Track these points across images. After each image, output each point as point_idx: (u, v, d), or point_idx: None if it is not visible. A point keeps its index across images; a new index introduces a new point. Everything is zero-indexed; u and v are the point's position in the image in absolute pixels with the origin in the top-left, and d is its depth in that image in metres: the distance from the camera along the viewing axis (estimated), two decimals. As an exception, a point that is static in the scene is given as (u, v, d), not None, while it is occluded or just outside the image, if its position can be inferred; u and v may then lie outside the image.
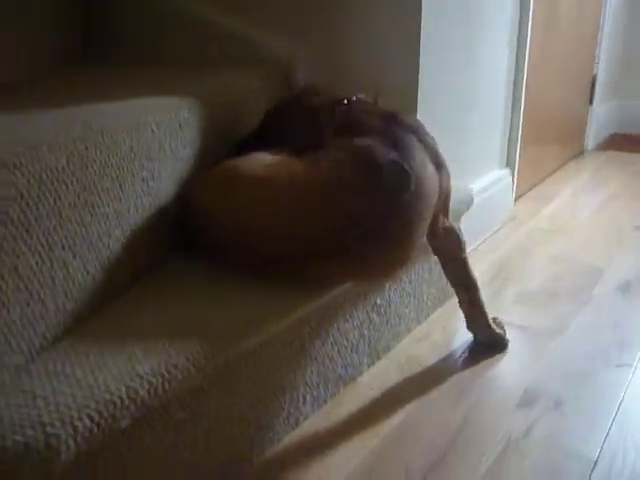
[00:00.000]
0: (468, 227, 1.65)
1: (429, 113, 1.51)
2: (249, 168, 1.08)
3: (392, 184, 1.03)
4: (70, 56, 1.51)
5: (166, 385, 0.79)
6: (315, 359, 1.09)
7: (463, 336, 1.33)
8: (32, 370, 0.79)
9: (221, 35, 1.57)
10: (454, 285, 1.28)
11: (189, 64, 1.51)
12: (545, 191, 2.39)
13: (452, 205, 1.40)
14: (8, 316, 0.77)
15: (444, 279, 1.32)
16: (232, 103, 1.28)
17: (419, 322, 1.40)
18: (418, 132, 1.15)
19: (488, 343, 1.30)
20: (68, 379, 0.77)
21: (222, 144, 1.22)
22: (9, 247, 0.77)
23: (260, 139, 1.24)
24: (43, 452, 0.67)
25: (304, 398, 1.08)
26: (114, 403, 0.74)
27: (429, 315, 1.44)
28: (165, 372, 0.79)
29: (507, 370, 1.26)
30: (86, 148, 0.88)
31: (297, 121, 1.24)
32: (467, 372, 1.24)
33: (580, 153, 2.93)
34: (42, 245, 0.81)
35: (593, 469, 0.98)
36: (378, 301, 1.24)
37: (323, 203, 1.01)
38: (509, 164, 2.08)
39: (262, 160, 1.10)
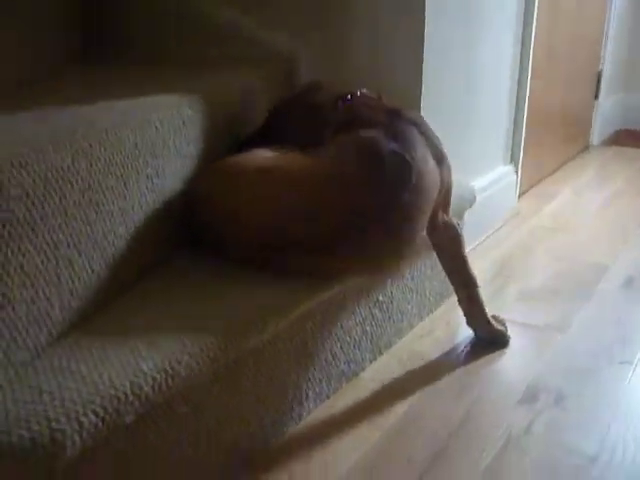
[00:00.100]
0: (471, 224, 1.66)
1: (433, 110, 1.51)
2: (251, 162, 1.10)
3: (393, 175, 1.04)
4: (70, 55, 1.52)
5: (170, 381, 0.80)
6: (318, 355, 1.10)
7: (465, 332, 1.34)
8: (38, 366, 0.80)
9: (222, 35, 1.57)
10: (453, 281, 1.29)
11: (190, 64, 1.51)
12: (549, 188, 2.39)
13: (455, 202, 1.41)
14: (14, 313, 0.78)
15: (446, 275, 1.33)
16: (234, 102, 1.29)
17: (421, 318, 1.41)
18: (420, 126, 1.17)
19: (489, 340, 1.31)
20: (73, 375, 0.78)
21: (225, 142, 1.23)
22: (15, 245, 0.78)
23: (263, 137, 1.25)
24: (48, 447, 0.68)
25: (307, 393, 1.09)
26: (118, 399, 0.75)
27: (432, 311, 1.45)
28: (169, 368, 0.81)
29: (509, 366, 1.26)
30: (90, 146, 0.90)
31: (300, 118, 1.25)
32: (469, 368, 1.25)
33: (585, 149, 2.92)
34: (47, 243, 0.82)
35: (593, 464, 0.99)
36: (380, 297, 1.25)
37: (325, 195, 1.02)
38: (513, 161, 2.08)
39: (264, 155, 1.12)
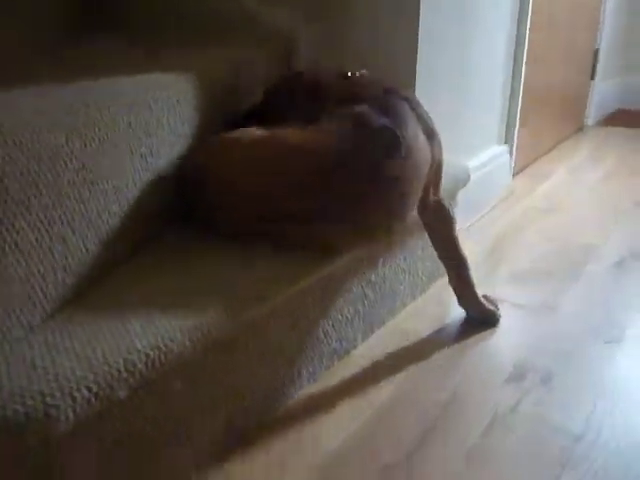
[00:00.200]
0: (465, 203, 1.67)
1: (427, 90, 1.52)
2: (247, 135, 1.12)
3: (383, 148, 1.06)
4: (68, 33, 1.51)
5: (163, 358, 0.81)
6: (310, 332, 1.12)
7: (456, 311, 1.35)
8: (32, 342, 0.81)
9: (222, 10, 1.57)
10: (443, 261, 1.30)
11: (189, 41, 1.51)
12: (543, 168, 2.40)
13: (448, 181, 1.42)
14: (9, 290, 0.79)
15: (438, 256, 1.34)
16: (231, 79, 1.29)
17: (414, 297, 1.43)
18: (411, 102, 1.20)
19: (480, 319, 1.33)
20: (67, 351, 0.79)
21: (220, 120, 1.23)
22: (9, 223, 0.79)
23: (260, 115, 1.26)
24: (43, 421, 0.70)
25: (299, 370, 1.11)
26: (112, 375, 0.76)
27: (424, 291, 1.47)
28: (162, 345, 0.82)
29: (498, 345, 1.28)
30: (85, 126, 0.90)
31: (299, 96, 1.26)
32: (459, 346, 1.27)
33: (580, 129, 2.93)
34: (41, 221, 0.83)
35: (578, 443, 1.01)
36: (373, 278, 1.26)
37: (320, 166, 1.04)
38: (507, 141, 2.09)
39: (260, 129, 1.13)
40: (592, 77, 2.90)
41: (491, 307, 1.33)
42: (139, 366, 0.79)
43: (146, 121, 1.03)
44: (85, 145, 0.90)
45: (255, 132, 1.13)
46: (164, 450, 0.88)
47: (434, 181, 1.23)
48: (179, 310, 0.88)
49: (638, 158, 2.52)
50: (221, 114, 1.24)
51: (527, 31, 1.98)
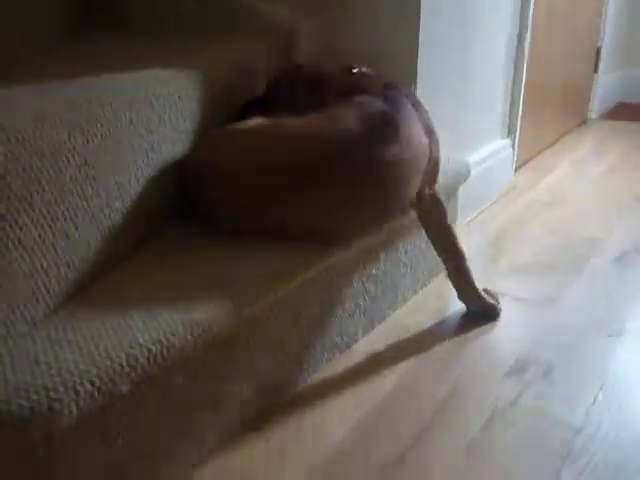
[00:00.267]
0: (467, 197, 1.68)
1: (429, 83, 1.52)
2: (249, 124, 1.14)
3: (381, 131, 1.09)
4: (69, 29, 1.52)
5: (165, 353, 0.82)
6: (311, 326, 1.13)
7: (457, 305, 1.36)
8: (36, 337, 0.82)
9: (222, 6, 1.57)
10: (440, 254, 1.31)
11: (189, 36, 1.51)
12: (546, 161, 2.40)
13: (450, 176, 1.43)
14: (12, 285, 0.80)
15: (440, 250, 1.35)
16: (232, 76, 1.30)
17: (415, 292, 1.43)
18: (413, 99, 1.23)
19: (480, 313, 1.33)
20: (70, 346, 0.80)
21: (222, 115, 1.24)
22: (12, 220, 0.79)
23: (263, 106, 1.27)
24: (47, 415, 0.70)
25: (300, 364, 1.12)
26: (114, 369, 0.77)
27: (425, 285, 1.47)
28: (164, 340, 0.82)
29: (499, 339, 1.29)
30: (87, 122, 0.91)
31: (299, 90, 1.27)
32: (460, 340, 1.27)
33: (583, 122, 2.92)
34: (44, 217, 0.84)
35: (578, 436, 1.02)
36: (374, 272, 1.27)
37: (321, 155, 1.05)
38: (510, 134, 2.09)
39: (261, 119, 1.15)
40: (595, 70, 2.89)
41: (491, 301, 1.34)
42: (141, 360, 0.79)
43: (148, 117, 1.03)
44: (87, 141, 0.91)
45: (256, 121, 1.14)
46: (166, 443, 0.89)
47: (430, 177, 1.24)
48: (181, 305, 0.89)
49: (641, 152, 2.52)
50: (222, 110, 1.25)
51: (530, 25, 1.97)
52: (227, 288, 0.95)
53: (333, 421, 1.05)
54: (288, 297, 1.05)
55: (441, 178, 1.35)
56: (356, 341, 1.26)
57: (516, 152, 2.14)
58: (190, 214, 1.15)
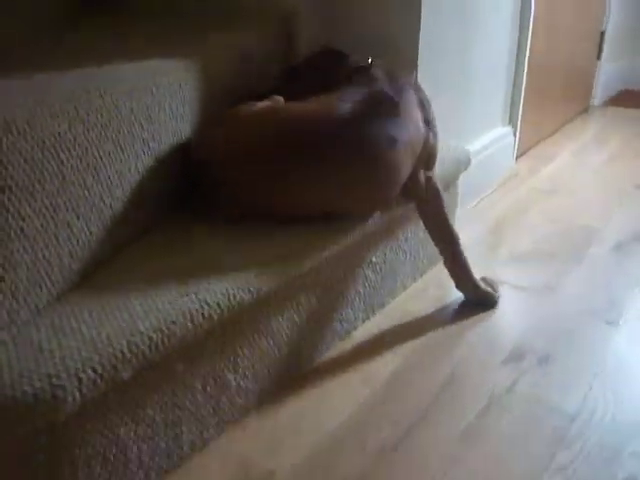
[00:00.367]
0: (468, 185, 1.68)
1: (430, 71, 1.52)
2: (250, 107, 1.16)
3: (381, 108, 1.13)
4: (69, 16, 1.52)
5: (166, 340, 0.84)
6: (310, 314, 1.14)
7: (457, 293, 1.37)
8: (39, 325, 0.84)
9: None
10: (437, 243, 1.32)
11: (190, 21, 1.51)
12: (548, 149, 2.39)
13: (450, 166, 1.43)
14: (16, 275, 0.82)
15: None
16: (233, 62, 1.30)
17: (414, 279, 1.45)
18: (417, 89, 1.27)
19: (477, 301, 1.35)
20: (73, 333, 0.82)
21: (222, 103, 1.25)
22: (15, 210, 0.81)
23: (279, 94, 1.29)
24: (50, 402, 0.72)
25: (300, 351, 1.13)
26: (116, 357, 0.79)
27: (425, 272, 1.48)
28: (165, 328, 0.84)
29: (497, 327, 1.30)
30: (87, 113, 0.91)
31: (315, 81, 1.29)
32: (458, 328, 1.29)
33: (586, 110, 2.91)
34: (46, 208, 0.85)
35: (573, 423, 1.03)
36: (374, 259, 1.28)
37: (322, 136, 1.08)
38: (511, 122, 2.09)
39: (262, 103, 1.17)
40: (598, 57, 2.88)
41: (488, 289, 1.35)
42: (142, 348, 0.81)
43: (148, 107, 1.04)
44: (87, 131, 0.92)
45: (258, 105, 1.16)
46: (167, 429, 0.91)
47: (425, 163, 1.26)
48: (182, 292, 0.90)
49: (643, 139, 2.51)
50: (223, 98, 1.25)
51: (532, 11, 1.97)
52: (226, 277, 0.96)
53: (330, 407, 1.06)
54: (289, 284, 1.06)
55: (441, 166, 1.36)
56: (355, 328, 1.27)
57: (517, 140, 2.14)
58: (191, 202, 1.16)
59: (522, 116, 2.11)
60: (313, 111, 1.12)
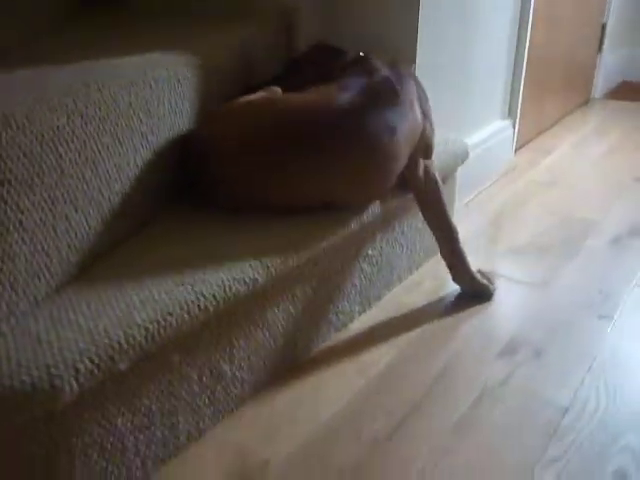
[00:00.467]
0: (467, 178, 1.69)
1: (428, 64, 1.52)
2: (248, 100, 1.17)
3: (381, 100, 1.14)
4: (69, 11, 1.52)
5: (162, 331, 0.85)
6: (307, 305, 1.15)
7: (452, 285, 1.38)
8: (38, 316, 0.85)
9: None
10: (435, 233, 1.32)
11: (189, 16, 1.52)
12: (547, 141, 2.40)
13: (447, 159, 1.44)
14: (14, 267, 0.83)
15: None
16: (232, 57, 1.31)
17: (410, 272, 1.46)
18: (416, 81, 1.29)
19: (473, 293, 1.36)
20: (71, 325, 0.83)
21: (221, 97, 1.26)
22: (13, 203, 0.82)
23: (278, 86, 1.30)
24: (48, 391, 0.74)
25: (296, 342, 1.15)
26: (113, 348, 0.80)
27: (421, 265, 1.50)
28: (161, 319, 0.85)
29: (493, 319, 1.31)
30: (85, 107, 0.92)
31: (313, 74, 1.30)
32: (453, 320, 1.30)
33: (586, 102, 2.91)
34: (45, 201, 0.86)
35: (565, 415, 1.04)
36: (370, 251, 1.29)
37: (322, 126, 1.10)
38: (511, 115, 2.09)
39: (259, 94, 1.19)
40: (600, 48, 2.88)
41: (484, 281, 1.36)
42: (139, 339, 0.82)
43: (147, 100, 1.05)
44: (86, 125, 0.93)
45: (252, 96, 1.17)
46: (163, 418, 0.93)
47: (423, 151, 1.27)
48: (178, 285, 0.92)
49: (643, 132, 2.51)
50: (222, 92, 1.26)
51: (532, 3, 1.97)
52: (223, 266, 0.97)
53: (326, 397, 1.08)
54: (285, 276, 1.07)
55: (439, 159, 1.37)
56: (352, 320, 1.28)
57: (517, 133, 2.15)
58: (189, 195, 1.18)
59: (522, 109, 2.12)
60: (312, 101, 1.12)
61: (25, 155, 0.83)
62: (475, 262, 1.36)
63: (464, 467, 0.95)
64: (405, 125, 1.17)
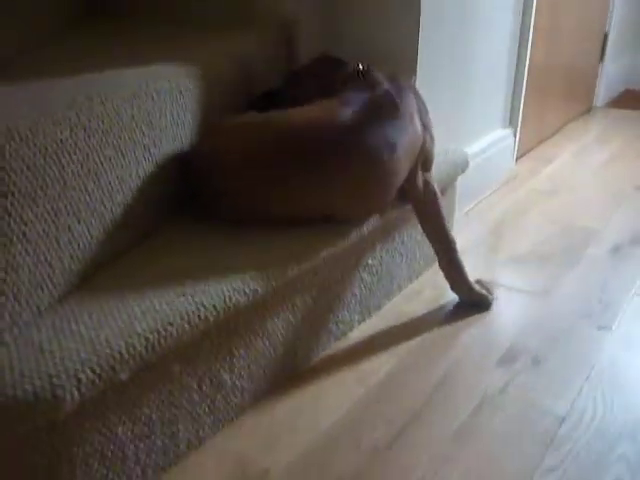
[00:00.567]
0: (467, 187, 1.70)
1: (429, 71, 1.53)
2: (250, 115, 1.18)
3: (382, 115, 1.15)
4: (71, 21, 1.54)
5: (162, 341, 0.86)
6: (307, 315, 1.16)
7: (452, 295, 1.39)
8: (40, 326, 0.86)
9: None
10: (433, 244, 1.34)
11: (190, 27, 1.53)
12: (549, 150, 2.41)
13: (447, 168, 1.45)
14: (17, 277, 0.84)
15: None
16: (233, 68, 1.32)
17: (410, 281, 1.47)
18: (416, 94, 1.29)
19: (471, 303, 1.37)
20: (73, 335, 0.84)
21: (223, 109, 1.27)
22: (17, 214, 0.83)
23: (276, 101, 1.31)
24: (50, 401, 0.75)
25: (295, 352, 1.16)
26: (114, 357, 0.81)
27: (420, 274, 1.50)
28: (162, 329, 0.86)
29: (492, 328, 1.32)
30: (89, 120, 0.94)
31: (314, 87, 1.31)
32: (452, 329, 1.31)
33: (588, 111, 2.92)
34: (48, 212, 0.88)
35: (563, 424, 1.05)
36: (370, 261, 1.30)
37: (325, 142, 1.10)
38: (512, 123, 2.10)
39: (261, 113, 1.19)
40: (602, 57, 2.89)
41: (483, 291, 1.37)
42: (139, 349, 0.83)
43: (149, 113, 1.06)
44: (89, 137, 0.94)
45: (257, 115, 1.18)
46: (163, 427, 0.94)
47: (423, 164, 1.28)
48: (179, 295, 0.93)
49: (644, 140, 2.52)
50: (223, 103, 1.28)
51: (533, 12, 1.98)
52: (224, 277, 0.98)
53: (326, 406, 1.09)
54: (285, 286, 1.08)
55: (439, 169, 1.38)
56: (352, 329, 1.29)
57: (518, 141, 2.16)
58: (192, 206, 1.19)
59: (523, 117, 2.13)
60: (315, 117, 1.13)
61: (28, 167, 0.84)
62: (475, 271, 1.37)
63: (464, 475, 0.95)
64: (405, 139, 1.17)
